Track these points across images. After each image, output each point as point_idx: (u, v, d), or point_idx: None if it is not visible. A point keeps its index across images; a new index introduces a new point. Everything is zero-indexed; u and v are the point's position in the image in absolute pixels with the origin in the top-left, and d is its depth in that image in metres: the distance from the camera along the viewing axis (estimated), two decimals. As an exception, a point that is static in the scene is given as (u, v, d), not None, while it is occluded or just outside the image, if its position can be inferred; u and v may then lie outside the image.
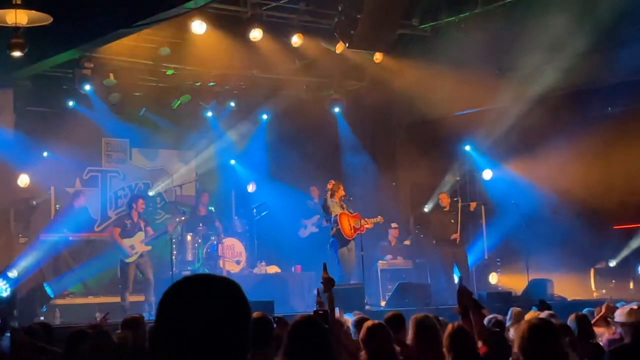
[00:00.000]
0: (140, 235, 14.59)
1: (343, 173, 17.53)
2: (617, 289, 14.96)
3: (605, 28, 13.60)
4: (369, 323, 5.90)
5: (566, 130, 15.34)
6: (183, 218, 15.71)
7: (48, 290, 14.15)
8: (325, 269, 6.46)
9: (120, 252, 14.45)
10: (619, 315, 7.46)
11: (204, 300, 2.22)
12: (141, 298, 14.97)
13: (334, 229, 14.60)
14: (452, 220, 15.77)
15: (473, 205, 15.92)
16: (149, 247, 15.00)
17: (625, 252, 15.24)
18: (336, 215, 14.56)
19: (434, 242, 16.30)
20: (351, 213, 14.76)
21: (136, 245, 14.48)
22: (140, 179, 17.96)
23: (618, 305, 8.39)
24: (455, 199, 17.08)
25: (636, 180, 14.77)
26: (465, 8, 14.55)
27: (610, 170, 14.83)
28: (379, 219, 15.36)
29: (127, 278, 14.32)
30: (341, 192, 14.81)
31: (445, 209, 15.92)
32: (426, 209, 17.67)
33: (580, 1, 13.28)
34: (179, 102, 16.59)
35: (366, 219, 14.91)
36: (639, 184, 14.84)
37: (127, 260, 14.35)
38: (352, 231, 14.62)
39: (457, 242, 15.68)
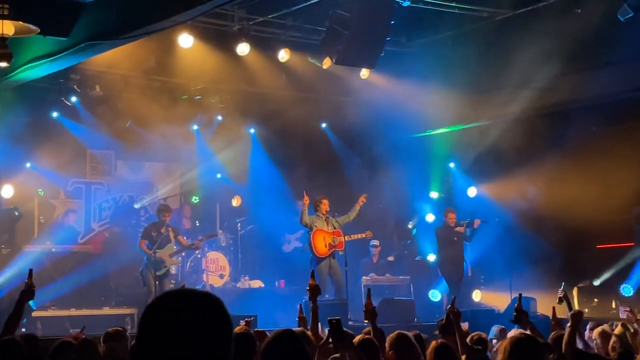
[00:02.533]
0: (170, 248, 14.44)
1: (328, 188, 17.52)
2: (600, 308, 15.01)
3: (586, 49, 13.70)
4: (357, 338, 5.91)
5: (550, 149, 15.42)
6: (214, 233, 15.74)
7: (30, 302, 14.04)
8: (312, 276, 6.47)
9: (148, 263, 14.25)
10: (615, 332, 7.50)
11: (186, 315, 2.21)
12: (125, 310, 14.92)
13: (307, 246, 14.66)
14: (456, 238, 15.72)
15: (477, 222, 15.79)
16: (179, 261, 14.95)
17: (608, 272, 15.27)
18: (311, 231, 14.59)
19: (437, 258, 16.20)
20: (332, 229, 14.72)
21: (166, 259, 14.32)
22: (125, 192, 17.89)
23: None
24: (440, 215, 17.15)
25: (619, 200, 14.85)
26: (452, 26, 14.62)
27: (594, 189, 14.89)
28: (368, 233, 15.32)
29: (150, 284, 14.14)
30: (325, 206, 14.80)
31: (451, 227, 15.82)
32: (410, 226, 17.69)
33: (562, 22, 13.36)
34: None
35: (347, 236, 14.85)
36: (622, 203, 14.92)
37: (158, 273, 14.21)
38: (327, 248, 14.58)
39: (461, 259, 15.67)
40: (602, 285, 15.42)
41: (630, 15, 12.11)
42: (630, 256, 15.08)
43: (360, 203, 14.98)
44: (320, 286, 13.97)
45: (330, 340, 5.36)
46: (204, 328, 2.22)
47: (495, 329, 8.97)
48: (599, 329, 8.29)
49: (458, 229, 15.63)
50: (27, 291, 6.37)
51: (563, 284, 8.49)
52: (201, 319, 2.22)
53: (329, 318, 5.34)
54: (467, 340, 6.67)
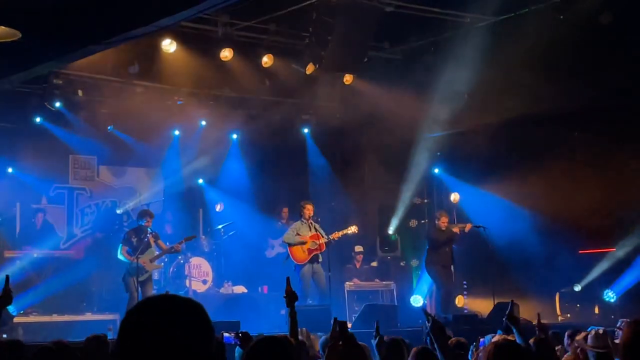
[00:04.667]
0: (151, 253, 14.27)
1: (311, 194, 17.54)
2: (582, 314, 15.05)
3: (568, 55, 13.75)
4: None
5: (532, 155, 15.47)
6: (193, 235, 15.60)
7: (10, 308, 13.98)
8: (288, 282, 6.46)
9: (130, 269, 14.05)
10: (588, 340, 7.53)
11: (167, 322, 2.20)
12: (107, 316, 14.86)
13: (287, 257, 14.68)
14: (447, 241, 15.47)
15: (468, 226, 15.66)
16: (160, 266, 14.85)
17: (590, 277, 15.30)
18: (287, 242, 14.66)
19: (426, 260, 16.00)
20: (313, 232, 14.64)
21: (146, 265, 14.16)
22: (107, 197, 17.83)
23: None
24: (422, 221, 17.14)
25: (601, 205, 14.92)
26: (434, 32, 14.66)
27: (576, 195, 14.95)
28: (352, 228, 14.97)
29: (132, 290, 13.95)
30: (309, 211, 14.74)
31: (443, 230, 15.59)
32: (390, 231, 17.66)
33: (544, 28, 13.42)
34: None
35: (334, 233, 14.72)
36: (604, 208, 14.98)
37: (140, 279, 14.02)
38: (306, 254, 14.54)
39: (450, 263, 15.51)
40: (584, 291, 15.44)
41: (611, 21, 12.19)
42: (610, 260, 15.11)
43: (344, 233, 14.87)
44: (305, 291, 14.05)
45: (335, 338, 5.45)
46: (185, 334, 2.20)
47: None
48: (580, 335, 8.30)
49: (455, 229, 15.51)
50: (4, 297, 6.32)
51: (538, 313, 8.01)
52: (182, 325, 2.21)
53: (338, 320, 5.45)
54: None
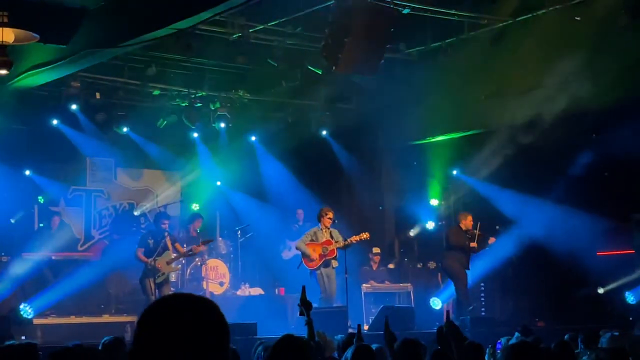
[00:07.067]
0: (168, 255, 14.15)
1: (329, 195, 17.51)
2: (602, 316, 14.94)
3: (591, 56, 13.67)
4: (357, 345, 5.97)
5: (549, 156, 15.40)
6: (211, 239, 15.54)
7: (24, 312, 14.05)
8: (303, 291, 6.47)
9: (147, 270, 13.94)
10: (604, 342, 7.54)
11: (182, 321, 2.20)
12: (124, 318, 14.89)
13: (300, 263, 14.61)
14: (467, 245, 15.23)
15: (492, 240, 15.26)
16: (177, 268, 14.82)
17: (617, 282, 15.09)
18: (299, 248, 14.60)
19: (444, 259, 15.70)
20: (326, 238, 14.54)
21: (163, 267, 14.04)
22: (124, 199, 17.90)
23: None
24: (440, 223, 17.09)
25: (619, 206, 14.84)
26: (451, 33, 14.62)
27: (596, 195, 14.88)
28: (364, 235, 14.81)
29: (149, 292, 13.84)
30: (329, 219, 14.59)
31: (464, 232, 15.24)
32: (412, 233, 17.63)
33: (561, 29, 13.35)
34: (165, 122, 16.60)
35: (344, 240, 14.58)
36: (622, 210, 14.90)
37: (157, 281, 13.92)
38: (318, 260, 14.43)
39: (467, 266, 15.24)
40: (605, 293, 15.32)
41: (628, 22, 12.11)
42: (632, 262, 14.99)
43: (356, 240, 14.67)
44: (323, 294, 14.00)
45: None
46: (200, 334, 2.20)
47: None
48: None
49: (472, 244, 15.09)
50: None
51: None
52: (198, 325, 2.21)
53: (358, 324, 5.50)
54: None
